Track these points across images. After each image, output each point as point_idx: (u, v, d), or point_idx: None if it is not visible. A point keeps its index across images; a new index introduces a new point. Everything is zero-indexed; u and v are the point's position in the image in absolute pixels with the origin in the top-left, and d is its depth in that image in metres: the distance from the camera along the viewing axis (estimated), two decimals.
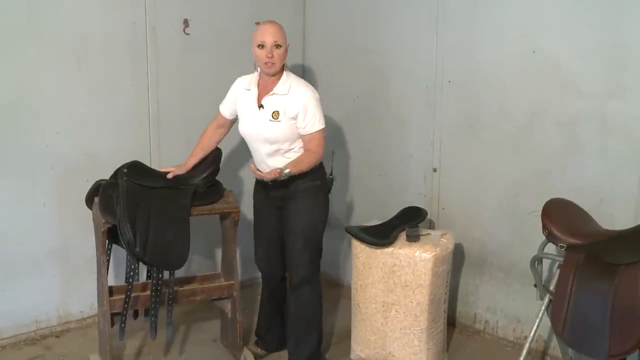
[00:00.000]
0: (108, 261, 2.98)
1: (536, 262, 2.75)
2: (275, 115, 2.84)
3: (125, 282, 2.90)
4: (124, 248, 2.83)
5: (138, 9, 3.55)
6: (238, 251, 3.16)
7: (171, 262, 2.87)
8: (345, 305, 3.42)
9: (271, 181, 2.85)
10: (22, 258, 3.36)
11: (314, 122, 2.87)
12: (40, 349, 3.37)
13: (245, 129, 2.97)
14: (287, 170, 2.78)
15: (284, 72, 2.91)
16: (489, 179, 3.36)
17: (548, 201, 2.72)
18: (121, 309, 2.86)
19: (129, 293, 2.84)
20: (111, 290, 2.96)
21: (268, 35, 2.81)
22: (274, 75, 2.89)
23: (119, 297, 2.88)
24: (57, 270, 3.49)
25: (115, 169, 3.03)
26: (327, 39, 4.18)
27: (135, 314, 3.06)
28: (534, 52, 3.09)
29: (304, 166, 2.85)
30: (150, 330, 2.89)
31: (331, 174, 3.14)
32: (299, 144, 2.91)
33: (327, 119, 4.18)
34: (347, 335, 3.33)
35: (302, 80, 3.00)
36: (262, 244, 3.16)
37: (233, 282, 3.08)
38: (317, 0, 4.22)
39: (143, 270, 3.10)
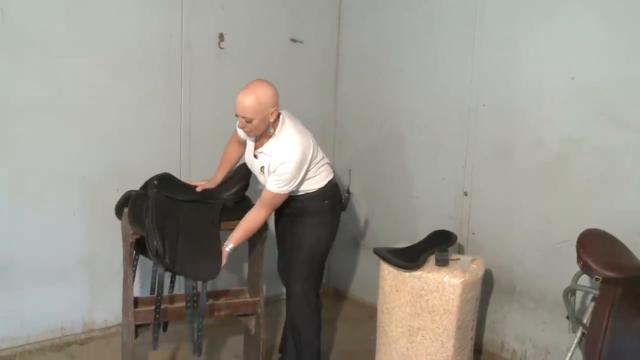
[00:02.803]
0: (134, 272, 2.98)
1: (569, 294, 2.67)
2: (262, 170, 2.91)
3: (151, 293, 2.85)
4: (152, 259, 2.81)
5: (174, 22, 3.58)
6: (264, 267, 3.14)
7: (202, 272, 2.81)
8: (372, 327, 3.37)
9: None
10: (50, 265, 3.39)
11: (272, 181, 2.81)
12: (64, 356, 3.39)
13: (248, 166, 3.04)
14: (229, 248, 2.83)
15: (277, 130, 2.82)
16: (522, 205, 3.29)
17: (584, 231, 2.65)
18: (145, 320, 2.84)
19: (158, 304, 2.78)
20: (136, 302, 2.96)
21: (238, 109, 2.73)
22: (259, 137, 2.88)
23: (144, 309, 2.87)
24: (84, 279, 3.51)
25: (145, 181, 3.04)
26: (361, 58, 4.15)
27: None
28: (572, 78, 3.03)
29: (241, 234, 2.85)
30: (195, 344, 2.79)
31: (347, 191, 3.14)
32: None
33: (359, 138, 4.23)
34: (371, 359, 3.27)
35: (297, 138, 2.81)
36: (282, 254, 3.22)
37: (258, 298, 3.05)
38: (352, 19, 4.21)
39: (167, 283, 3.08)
